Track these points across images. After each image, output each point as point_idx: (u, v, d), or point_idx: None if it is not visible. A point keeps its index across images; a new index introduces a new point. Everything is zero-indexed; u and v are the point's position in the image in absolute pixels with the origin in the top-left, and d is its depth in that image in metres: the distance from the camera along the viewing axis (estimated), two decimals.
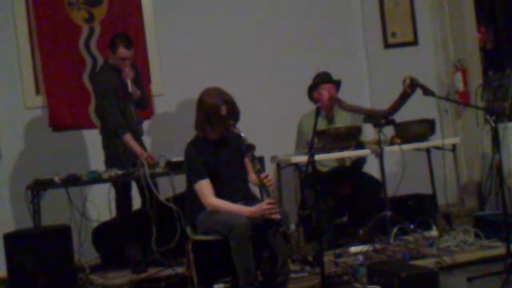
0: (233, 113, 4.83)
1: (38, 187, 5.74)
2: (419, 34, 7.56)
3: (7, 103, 6.75)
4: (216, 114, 4.78)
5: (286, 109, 7.01)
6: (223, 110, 4.78)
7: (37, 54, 6.79)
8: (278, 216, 4.57)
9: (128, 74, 5.95)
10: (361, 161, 6.52)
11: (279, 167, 6.45)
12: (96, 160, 6.26)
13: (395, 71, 6.82)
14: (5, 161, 6.73)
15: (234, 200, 4.77)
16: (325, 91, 6.36)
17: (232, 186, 4.86)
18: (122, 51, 5.91)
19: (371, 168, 6.65)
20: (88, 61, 6.86)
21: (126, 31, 6.66)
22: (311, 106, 6.30)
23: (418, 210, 6.45)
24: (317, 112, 4.88)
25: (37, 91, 6.82)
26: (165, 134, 6.93)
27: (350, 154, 6.18)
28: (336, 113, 6.50)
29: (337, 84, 6.45)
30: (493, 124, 5.00)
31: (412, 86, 5.65)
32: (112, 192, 6.03)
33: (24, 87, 6.80)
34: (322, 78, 6.40)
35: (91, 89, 6.39)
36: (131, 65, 6.01)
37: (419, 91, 5.55)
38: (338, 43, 7.48)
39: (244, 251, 4.54)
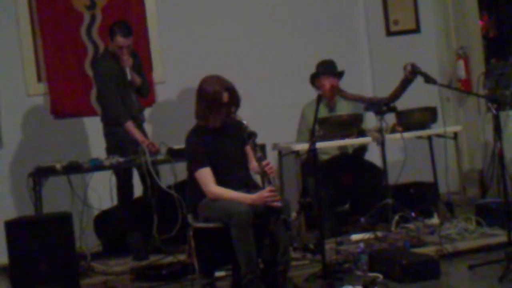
0: (234, 100, 4.81)
1: (40, 175, 5.73)
2: (421, 22, 7.54)
3: (9, 91, 6.74)
4: (217, 101, 4.76)
5: (288, 97, 7.00)
6: (224, 97, 4.76)
7: (38, 42, 6.79)
8: (279, 204, 4.57)
9: (127, 62, 5.93)
10: (363, 149, 6.51)
11: (281, 154, 6.44)
12: (98, 147, 6.26)
13: (397, 59, 6.77)
14: (6, 148, 6.74)
15: (235, 188, 4.75)
16: (326, 82, 6.34)
17: (233, 174, 4.84)
18: (120, 39, 5.90)
19: (373, 156, 6.64)
20: (90, 49, 6.86)
21: (128, 18, 6.65)
22: (312, 94, 6.27)
23: (420, 198, 6.44)
24: (319, 100, 4.87)
25: (39, 79, 6.82)
26: (167, 121, 6.92)
27: (352, 142, 6.18)
28: (338, 102, 6.49)
29: (340, 75, 6.43)
30: (495, 112, 5.00)
31: (413, 72, 5.64)
32: (114, 180, 6.03)
33: (25, 74, 6.79)
34: (325, 69, 6.38)
35: (92, 76, 6.39)
36: (131, 52, 6.00)
37: (420, 79, 5.54)
38: (340, 31, 7.45)
39: (245, 238, 4.55)
